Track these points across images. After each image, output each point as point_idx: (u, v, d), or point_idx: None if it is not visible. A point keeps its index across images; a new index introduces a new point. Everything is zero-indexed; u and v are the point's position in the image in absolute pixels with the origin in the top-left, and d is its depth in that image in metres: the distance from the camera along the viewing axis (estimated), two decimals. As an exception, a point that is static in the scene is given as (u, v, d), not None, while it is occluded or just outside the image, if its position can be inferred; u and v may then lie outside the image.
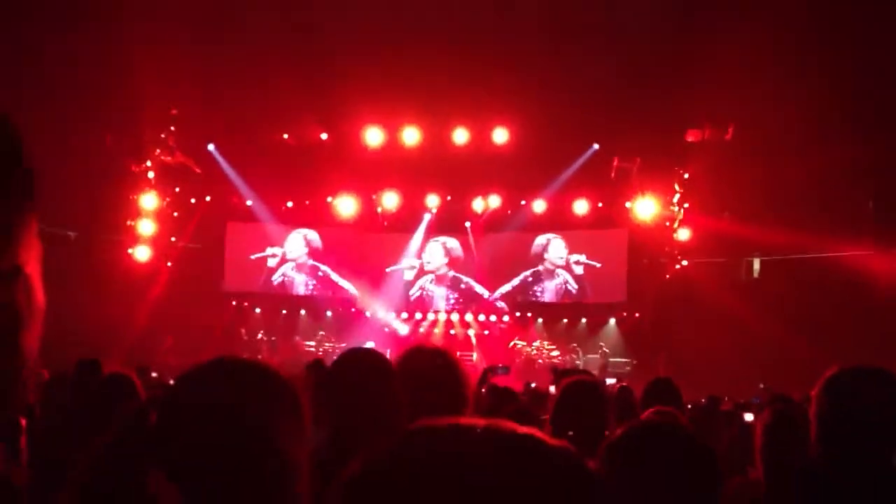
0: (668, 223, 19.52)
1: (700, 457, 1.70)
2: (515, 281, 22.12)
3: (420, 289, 22.56)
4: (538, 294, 22.16)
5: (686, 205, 19.08)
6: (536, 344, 21.48)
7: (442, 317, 22.28)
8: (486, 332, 21.91)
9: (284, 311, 22.36)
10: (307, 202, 21.58)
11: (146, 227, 19.68)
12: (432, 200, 21.44)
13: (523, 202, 21.08)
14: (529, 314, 22.11)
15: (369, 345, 19.02)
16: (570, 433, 2.76)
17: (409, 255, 22.46)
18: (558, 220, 21.27)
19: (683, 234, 19.09)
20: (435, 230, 22.24)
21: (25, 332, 0.74)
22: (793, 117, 15.43)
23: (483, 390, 6.05)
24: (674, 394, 4.19)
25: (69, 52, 14.72)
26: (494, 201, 21.11)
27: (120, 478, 1.25)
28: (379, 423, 1.75)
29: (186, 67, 15.96)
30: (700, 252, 19.23)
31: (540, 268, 22.03)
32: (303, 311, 22.50)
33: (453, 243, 22.36)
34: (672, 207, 19.37)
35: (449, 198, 21.45)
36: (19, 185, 0.74)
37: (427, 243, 22.41)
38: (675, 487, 1.65)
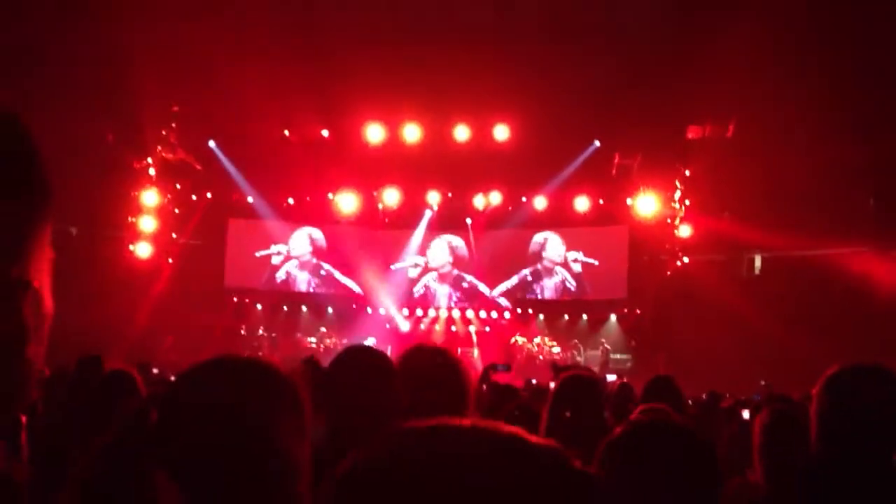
0: (668, 220, 19.52)
1: (700, 455, 1.70)
2: (515, 279, 22.15)
3: (424, 286, 22.59)
4: (538, 292, 22.18)
5: (687, 202, 19.07)
6: (537, 340, 21.51)
7: (443, 313, 22.30)
8: (488, 329, 21.92)
9: (286, 308, 22.38)
10: (308, 199, 21.60)
11: (147, 223, 19.68)
12: (433, 197, 21.45)
13: (524, 199, 21.08)
14: (530, 311, 22.12)
15: (370, 341, 19.11)
16: (567, 414, 2.76)
17: (411, 251, 22.48)
18: (559, 217, 21.27)
19: (684, 231, 19.08)
20: (436, 227, 22.26)
21: (30, 342, 0.74)
22: (794, 115, 15.42)
23: (484, 388, 6.06)
24: (674, 391, 4.19)
25: (70, 48, 14.71)
26: (495, 198, 21.11)
27: (120, 476, 1.25)
28: (378, 423, 1.75)
29: (187, 64, 15.95)
30: (701, 249, 19.22)
31: (539, 266, 22.05)
32: (304, 308, 22.53)
33: (458, 242, 22.39)
34: (673, 204, 19.36)
35: (450, 194, 21.46)
36: (34, 190, 0.74)
37: (432, 241, 22.44)
38: (675, 486, 1.66)
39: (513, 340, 21.50)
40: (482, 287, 22.30)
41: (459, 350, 20.09)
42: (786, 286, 17.40)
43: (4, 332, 0.72)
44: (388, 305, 22.19)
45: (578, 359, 20.37)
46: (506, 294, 22.25)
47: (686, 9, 14.69)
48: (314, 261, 22.41)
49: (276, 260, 22.25)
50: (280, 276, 22.33)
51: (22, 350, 0.73)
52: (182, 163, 20.10)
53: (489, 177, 20.53)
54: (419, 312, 22.41)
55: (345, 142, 19.77)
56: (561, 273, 21.89)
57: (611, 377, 12.96)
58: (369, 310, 22.25)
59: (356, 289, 22.35)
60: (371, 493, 0.61)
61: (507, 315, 22.15)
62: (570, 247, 21.76)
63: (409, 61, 16.06)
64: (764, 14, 13.96)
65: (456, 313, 22.27)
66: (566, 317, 22.04)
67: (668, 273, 19.69)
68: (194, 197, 21.16)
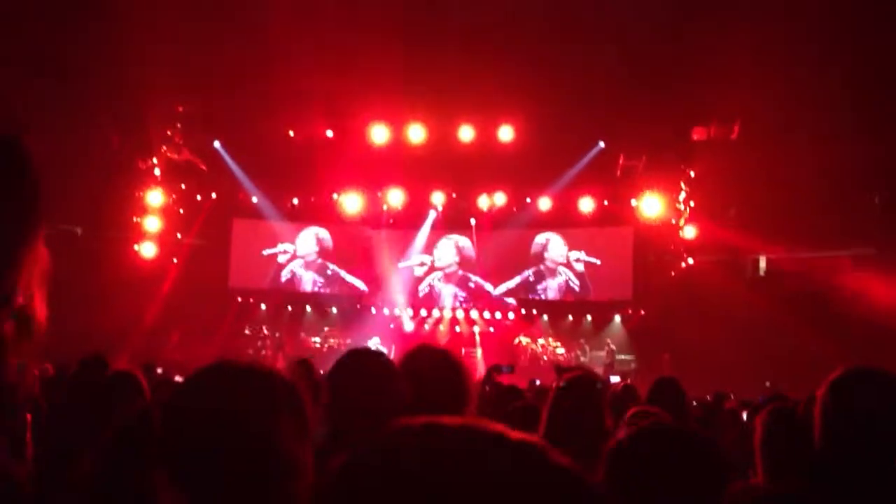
0: (673, 221, 19.51)
1: (703, 458, 1.69)
2: (517, 279, 22.16)
3: (428, 286, 22.62)
4: (541, 292, 22.18)
5: (692, 203, 19.05)
6: (541, 341, 21.51)
7: (447, 314, 22.31)
8: (492, 329, 21.93)
9: (290, 308, 22.41)
10: (312, 199, 21.64)
11: (152, 223, 19.74)
12: (438, 198, 21.47)
13: (528, 200, 21.08)
14: (535, 311, 22.13)
15: (374, 341, 19.14)
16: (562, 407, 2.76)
17: (415, 252, 22.51)
18: (563, 218, 21.28)
19: (689, 233, 19.07)
20: (440, 227, 22.28)
21: (7, 353, 0.74)
22: (798, 116, 15.40)
23: (487, 389, 6.06)
24: (678, 393, 4.18)
25: (77, 49, 14.76)
26: (500, 199, 21.12)
27: (122, 477, 1.26)
28: (380, 425, 1.75)
29: (193, 64, 15.99)
30: (706, 250, 19.20)
31: (541, 267, 22.06)
32: (308, 308, 22.56)
33: (465, 242, 22.42)
34: (678, 205, 19.35)
35: (454, 195, 21.48)
36: (22, 205, 0.74)
37: (439, 240, 22.47)
38: (678, 490, 1.65)
39: (517, 341, 21.51)
40: (488, 286, 22.32)
41: (463, 350, 20.15)
42: (790, 287, 17.36)
43: None
44: (393, 304, 22.22)
45: (583, 359, 20.35)
46: (509, 293, 22.26)
47: (690, 10, 14.67)
48: (319, 261, 22.46)
49: (282, 259, 22.31)
50: (285, 275, 22.37)
51: (1, 364, 0.74)
52: (187, 163, 20.14)
53: (494, 177, 20.54)
54: (423, 313, 22.43)
55: (349, 142, 19.79)
56: (564, 273, 21.90)
57: (614, 379, 12.93)
58: (373, 310, 22.27)
59: (362, 287, 22.40)
60: (358, 489, 0.63)
61: (511, 315, 22.15)
62: (573, 247, 21.77)
63: (413, 62, 16.06)
64: (769, 16, 13.95)
65: (460, 314, 22.29)
66: (570, 317, 22.03)
67: (673, 274, 19.68)
68: (199, 197, 21.21)
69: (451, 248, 22.54)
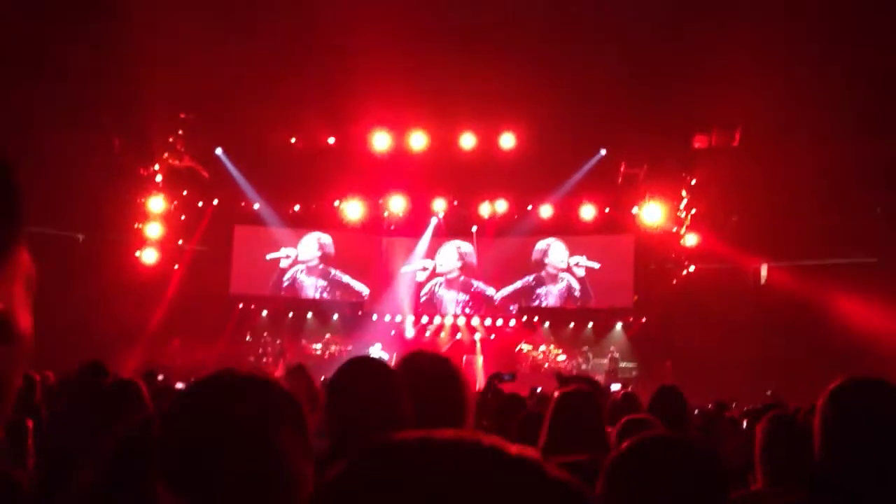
0: (675, 229, 19.50)
1: (704, 468, 1.69)
2: (518, 284, 22.16)
3: (430, 291, 22.61)
4: (542, 298, 22.17)
5: (693, 210, 19.05)
6: (543, 348, 21.48)
7: (448, 321, 22.29)
8: (493, 337, 21.90)
9: (291, 315, 22.40)
10: (314, 206, 21.65)
11: (154, 230, 19.75)
12: (439, 205, 21.48)
13: (530, 207, 21.09)
14: (536, 318, 22.11)
15: (376, 348, 19.12)
16: (568, 450, 2.75)
17: (417, 259, 22.52)
18: (565, 225, 21.28)
19: (690, 240, 19.06)
20: (442, 235, 22.29)
21: None
22: (800, 124, 15.41)
23: (490, 397, 6.05)
24: (680, 402, 4.18)
25: (79, 56, 14.80)
26: (501, 206, 21.13)
27: (124, 488, 1.26)
28: (377, 437, 1.74)
29: (195, 71, 16.03)
30: (707, 258, 19.19)
31: (542, 273, 22.06)
32: (309, 315, 22.55)
33: (467, 248, 22.42)
34: (679, 213, 19.35)
35: (456, 202, 21.50)
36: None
37: (441, 246, 22.48)
38: (679, 501, 1.65)
39: (518, 348, 21.48)
40: (490, 291, 22.33)
41: (464, 358, 20.14)
42: (792, 296, 17.35)
43: None
44: (395, 310, 22.21)
45: (584, 367, 20.32)
46: (510, 297, 22.25)
47: (691, 17, 14.70)
48: (322, 266, 22.47)
49: (284, 263, 22.31)
50: (287, 280, 22.37)
51: None
52: (189, 170, 20.17)
53: (495, 185, 20.55)
54: (424, 320, 22.42)
55: (351, 149, 19.83)
56: (566, 279, 21.90)
57: (615, 387, 12.90)
58: (374, 317, 22.26)
59: (365, 291, 22.41)
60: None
61: (512, 323, 22.14)
62: (574, 252, 21.77)
63: (414, 69, 16.10)
64: (769, 23, 13.97)
65: (461, 321, 22.27)
66: (572, 325, 22.01)
67: (674, 282, 19.67)
68: (201, 204, 21.23)
69: (453, 253, 22.54)
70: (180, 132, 19.36)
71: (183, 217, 20.81)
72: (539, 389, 9.58)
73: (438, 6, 15.59)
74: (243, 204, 21.41)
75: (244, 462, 1.24)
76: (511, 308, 22.29)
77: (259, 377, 1.36)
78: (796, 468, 2.59)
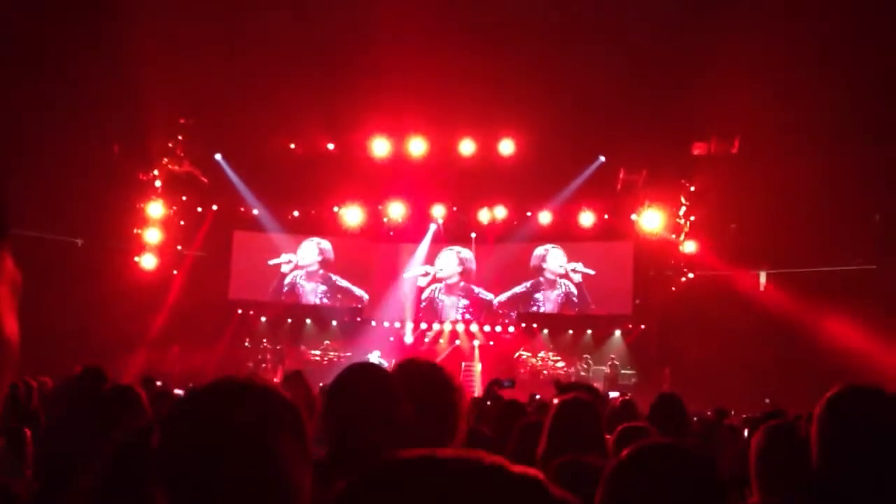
0: (673, 235, 19.51)
1: (702, 475, 1.70)
2: (516, 289, 22.17)
3: (430, 297, 22.61)
4: (539, 304, 22.16)
5: (692, 217, 19.06)
6: (542, 355, 21.45)
7: (447, 327, 22.27)
8: (492, 343, 21.88)
9: (290, 320, 22.38)
10: (313, 212, 21.66)
11: (153, 235, 19.73)
12: (438, 211, 21.48)
13: (529, 213, 21.09)
14: (535, 325, 22.10)
15: (375, 354, 19.09)
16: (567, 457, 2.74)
17: (416, 264, 22.52)
18: (564, 232, 21.28)
19: (689, 247, 19.07)
20: (441, 241, 22.30)
21: None
22: (799, 130, 15.43)
23: (489, 403, 6.04)
24: (679, 410, 4.19)
25: (78, 60, 14.82)
26: (500, 212, 21.13)
27: (123, 495, 1.26)
28: (380, 445, 1.74)
29: (195, 77, 16.05)
30: (706, 265, 19.20)
31: (540, 279, 22.07)
32: (308, 321, 22.52)
33: (467, 254, 22.43)
34: (678, 220, 19.35)
35: (455, 209, 21.50)
36: None
37: (441, 251, 22.48)
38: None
39: (517, 355, 21.45)
40: (489, 296, 22.32)
41: (463, 365, 20.11)
42: (790, 302, 17.34)
43: None
44: (394, 316, 22.19)
45: (583, 374, 20.29)
46: (508, 303, 22.25)
47: (691, 26, 14.75)
48: (321, 271, 22.47)
49: (285, 269, 22.32)
50: (287, 286, 22.37)
51: None
52: (188, 175, 20.16)
53: (494, 191, 20.57)
54: (423, 326, 22.41)
55: (350, 155, 19.84)
56: (563, 285, 21.90)
57: (613, 394, 12.87)
58: (373, 323, 22.25)
59: (365, 296, 22.41)
60: None
61: (511, 329, 22.13)
62: (572, 258, 21.78)
63: (414, 75, 16.13)
64: (769, 32, 14.00)
65: (460, 327, 22.25)
66: (570, 332, 21.99)
67: (673, 288, 19.66)
68: (200, 209, 21.23)
69: (453, 258, 22.55)
70: (180, 137, 19.36)
71: (182, 222, 20.79)
72: (538, 396, 9.56)
73: (438, 14, 15.63)
74: (243, 210, 21.41)
75: (243, 468, 1.24)
76: (511, 314, 22.28)
77: (258, 384, 1.36)
78: (794, 478, 2.59)
